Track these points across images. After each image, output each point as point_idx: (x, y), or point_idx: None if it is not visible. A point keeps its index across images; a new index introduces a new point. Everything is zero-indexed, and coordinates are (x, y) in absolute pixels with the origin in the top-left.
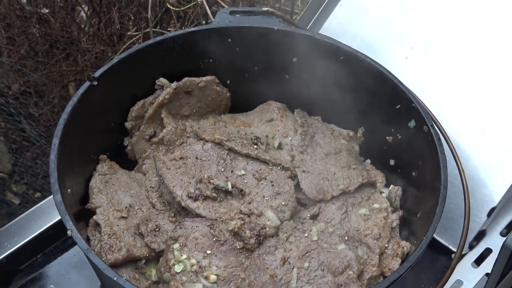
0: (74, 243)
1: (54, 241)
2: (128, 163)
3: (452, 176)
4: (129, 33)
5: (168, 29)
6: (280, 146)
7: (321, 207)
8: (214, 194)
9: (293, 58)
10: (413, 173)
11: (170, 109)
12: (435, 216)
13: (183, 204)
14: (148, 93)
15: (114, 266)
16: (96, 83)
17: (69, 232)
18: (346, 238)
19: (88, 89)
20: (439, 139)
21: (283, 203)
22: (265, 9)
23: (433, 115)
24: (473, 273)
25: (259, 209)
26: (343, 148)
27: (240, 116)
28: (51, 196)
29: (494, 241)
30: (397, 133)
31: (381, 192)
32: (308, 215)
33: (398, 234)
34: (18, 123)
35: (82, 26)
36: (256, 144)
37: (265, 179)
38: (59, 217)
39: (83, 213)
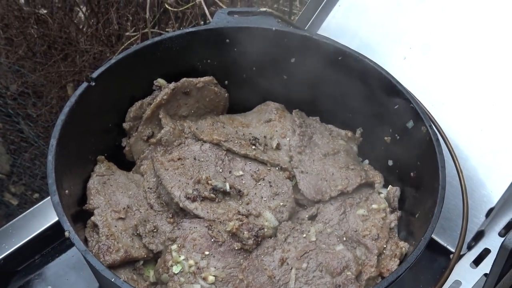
0: (72, 244)
1: (52, 242)
2: (126, 164)
3: (451, 176)
4: (127, 33)
5: (166, 29)
6: (278, 147)
7: (319, 208)
8: (212, 195)
9: (291, 59)
10: (411, 174)
11: (168, 110)
12: (434, 216)
13: (181, 205)
14: (146, 93)
15: (112, 267)
16: (94, 83)
17: (66, 233)
18: (344, 238)
19: (86, 89)
20: (438, 139)
21: (281, 203)
22: (263, 9)
23: (432, 116)
24: (471, 274)
25: (257, 210)
26: (341, 148)
27: (238, 117)
28: (49, 197)
29: (493, 242)
30: (395, 134)
31: (379, 193)
32: (306, 216)
33: (397, 235)
34: (16, 124)
35: (80, 26)
36: (254, 144)
37: (263, 179)
38: (57, 218)
39: (81, 214)
